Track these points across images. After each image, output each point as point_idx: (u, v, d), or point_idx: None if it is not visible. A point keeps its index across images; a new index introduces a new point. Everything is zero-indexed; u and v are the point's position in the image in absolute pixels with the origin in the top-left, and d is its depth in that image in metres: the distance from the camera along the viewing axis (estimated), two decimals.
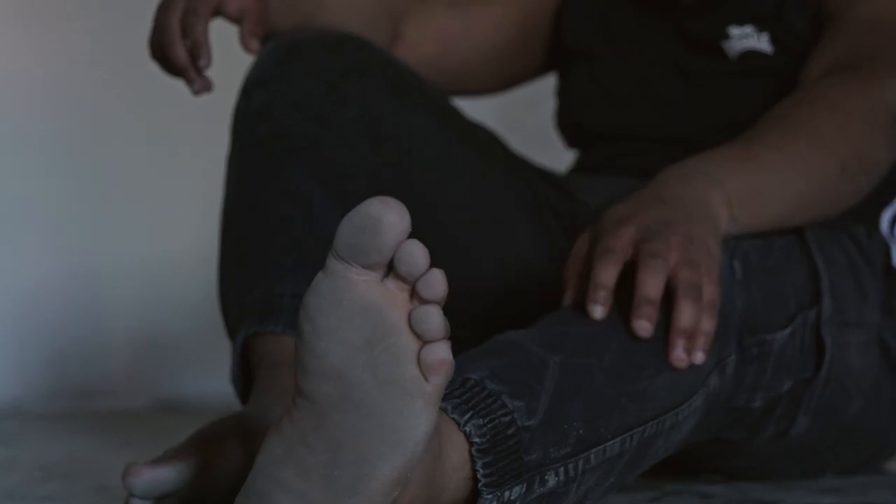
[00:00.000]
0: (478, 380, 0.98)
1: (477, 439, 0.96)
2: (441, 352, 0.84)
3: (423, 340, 0.85)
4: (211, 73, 1.35)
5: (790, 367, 1.25)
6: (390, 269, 0.84)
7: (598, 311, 1.06)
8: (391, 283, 0.85)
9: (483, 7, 1.56)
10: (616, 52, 1.54)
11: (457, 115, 1.44)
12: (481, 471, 0.96)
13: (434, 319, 0.84)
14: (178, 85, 1.38)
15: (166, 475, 1.07)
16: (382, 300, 0.84)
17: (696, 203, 1.14)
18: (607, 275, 1.07)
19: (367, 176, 1.33)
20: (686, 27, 1.47)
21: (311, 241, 1.27)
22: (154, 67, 1.38)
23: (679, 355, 1.06)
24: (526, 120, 2.22)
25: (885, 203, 1.42)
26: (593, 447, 1.03)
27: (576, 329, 1.06)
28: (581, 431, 1.02)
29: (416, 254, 0.83)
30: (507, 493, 0.98)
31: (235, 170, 1.33)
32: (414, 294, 0.84)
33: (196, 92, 1.33)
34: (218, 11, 1.35)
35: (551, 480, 1.01)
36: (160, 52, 1.33)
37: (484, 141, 1.45)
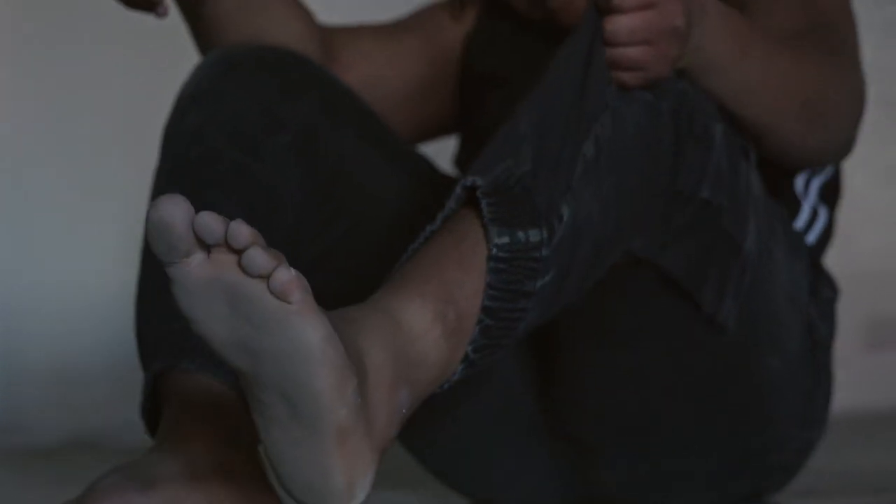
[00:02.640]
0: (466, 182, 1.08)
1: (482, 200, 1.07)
2: (282, 276, 0.93)
3: (264, 277, 0.93)
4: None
5: (725, 181, 1.24)
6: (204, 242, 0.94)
7: None
8: (215, 253, 0.94)
9: (404, 42, 1.56)
10: (527, 76, 1.52)
11: (389, 136, 1.43)
12: (486, 210, 1.06)
13: (256, 258, 0.93)
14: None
15: None
16: (214, 270, 0.94)
17: None
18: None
19: (295, 204, 1.31)
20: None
21: None
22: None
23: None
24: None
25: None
26: (575, 159, 1.10)
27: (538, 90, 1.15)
28: (567, 150, 1.09)
29: (210, 223, 0.93)
30: (520, 235, 1.05)
31: (160, 191, 1.30)
32: (231, 249, 0.94)
33: (164, 11, 1.29)
34: None
35: (565, 211, 1.07)
36: None
37: (414, 162, 1.45)
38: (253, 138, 1.30)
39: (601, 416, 1.38)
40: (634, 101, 1.17)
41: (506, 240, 1.05)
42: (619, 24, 1.15)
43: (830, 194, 1.47)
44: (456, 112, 1.60)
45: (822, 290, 1.44)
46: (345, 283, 1.37)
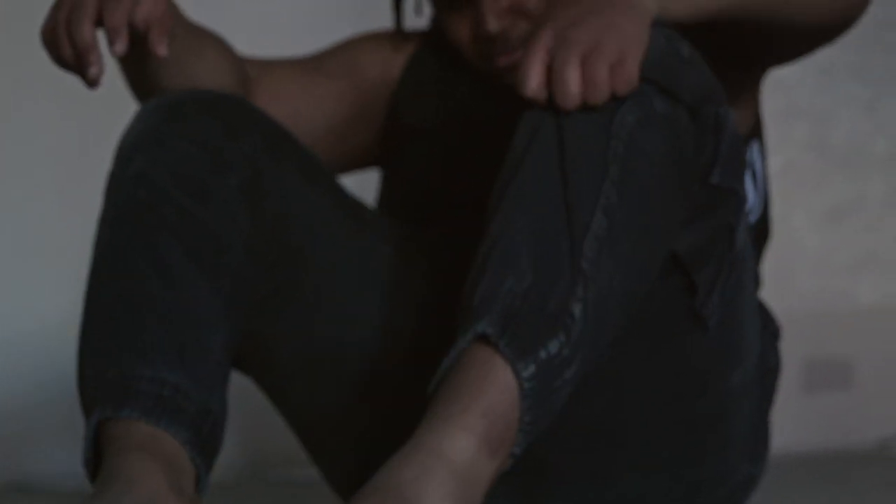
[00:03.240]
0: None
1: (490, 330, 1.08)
2: None
3: None
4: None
5: (737, 161, 1.26)
6: None
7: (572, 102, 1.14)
8: None
9: (323, 81, 1.56)
10: (455, 126, 1.53)
11: (327, 173, 1.43)
12: (505, 350, 1.08)
13: None
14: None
15: None
16: None
17: None
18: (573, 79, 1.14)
19: (242, 245, 1.31)
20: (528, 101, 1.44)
21: (177, 319, 1.24)
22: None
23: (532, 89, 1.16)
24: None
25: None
26: (583, 238, 1.11)
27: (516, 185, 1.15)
28: (564, 244, 1.11)
29: None
30: (542, 353, 1.08)
31: (106, 237, 1.29)
32: None
33: (93, 79, 1.25)
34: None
35: (576, 309, 1.10)
36: (64, 29, 1.25)
37: (352, 202, 1.44)
38: (199, 181, 1.29)
39: (563, 425, 1.36)
40: (651, 124, 1.17)
41: (532, 369, 1.09)
42: (563, 89, 1.15)
43: (759, 237, 1.48)
44: (378, 151, 1.60)
45: (769, 324, 1.45)
46: (292, 324, 1.36)
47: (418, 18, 1.59)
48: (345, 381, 1.37)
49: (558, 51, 1.15)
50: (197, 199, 1.29)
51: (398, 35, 1.59)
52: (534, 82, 1.15)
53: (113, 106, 1.62)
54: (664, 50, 1.20)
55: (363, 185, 1.77)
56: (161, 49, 1.27)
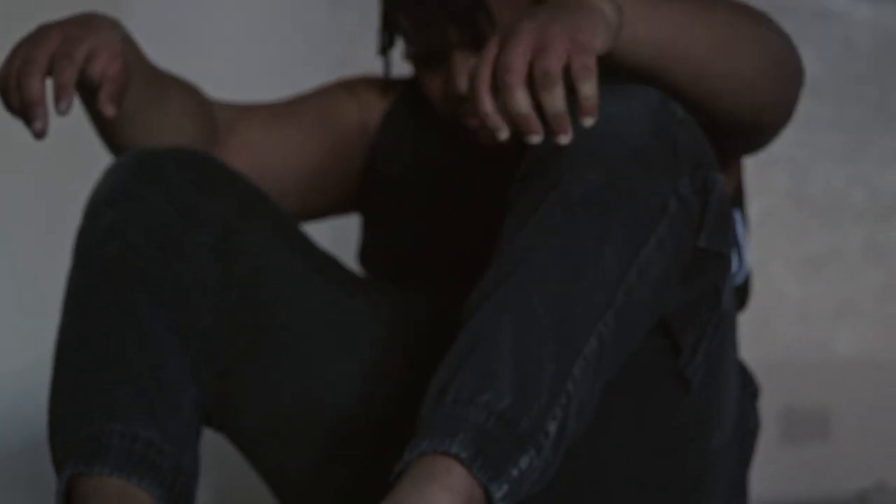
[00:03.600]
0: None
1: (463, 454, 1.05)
2: None
3: None
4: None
5: (724, 224, 1.25)
6: None
7: (536, 139, 1.09)
8: None
9: (297, 129, 1.54)
10: (430, 180, 1.51)
11: (299, 232, 1.42)
12: (478, 473, 1.05)
13: None
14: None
15: None
16: None
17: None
18: (523, 104, 1.08)
19: (214, 303, 1.31)
20: (499, 157, 1.43)
21: (147, 377, 1.23)
22: None
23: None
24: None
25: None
26: (573, 363, 1.10)
27: (498, 275, 1.13)
28: (550, 368, 1.09)
29: None
30: (514, 471, 1.07)
31: (75, 290, 1.28)
32: None
33: (39, 132, 1.23)
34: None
35: (551, 427, 1.08)
36: (15, 79, 1.25)
37: (324, 257, 1.43)
38: (171, 237, 1.29)
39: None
40: (667, 241, 1.16)
41: (505, 489, 1.08)
42: (516, 114, 1.10)
43: (738, 304, 1.47)
44: (356, 198, 1.58)
45: (748, 385, 1.44)
46: (263, 384, 1.35)
47: (405, 64, 1.59)
48: (319, 440, 1.36)
49: (500, 80, 1.11)
50: (169, 254, 1.28)
51: (378, 83, 1.59)
52: (504, 134, 1.13)
53: (83, 161, 1.61)
54: (659, 110, 1.19)
55: (345, 232, 1.76)
56: (109, 110, 1.25)
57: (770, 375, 1.69)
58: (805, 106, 1.48)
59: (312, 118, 1.56)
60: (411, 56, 1.45)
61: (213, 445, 1.44)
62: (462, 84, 1.42)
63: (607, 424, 1.28)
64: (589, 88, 1.07)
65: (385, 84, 1.58)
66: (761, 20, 1.29)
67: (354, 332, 1.40)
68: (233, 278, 1.32)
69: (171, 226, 1.29)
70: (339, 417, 1.36)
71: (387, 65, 1.54)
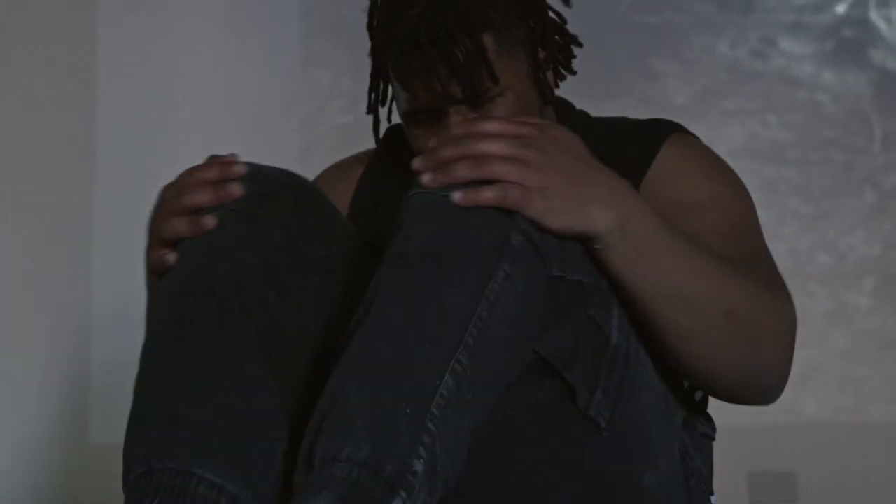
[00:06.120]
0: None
1: None
2: None
3: None
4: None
5: (576, 251, 1.24)
6: None
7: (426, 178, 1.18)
8: None
9: None
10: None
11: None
12: None
13: None
14: None
15: None
16: None
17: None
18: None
19: (312, 351, 1.27)
20: None
21: (243, 424, 1.18)
22: None
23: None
24: None
25: None
26: (429, 402, 1.10)
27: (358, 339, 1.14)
28: (404, 411, 1.09)
29: None
30: None
31: (172, 301, 1.24)
32: None
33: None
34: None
35: (418, 466, 1.09)
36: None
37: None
38: (280, 275, 1.26)
39: None
40: (517, 274, 1.16)
41: None
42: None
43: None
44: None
45: (699, 424, 1.43)
46: None
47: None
48: None
49: (475, 148, 1.19)
50: (276, 292, 1.25)
51: (343, 165, 1.59)
52: (426, 173, 1.19)
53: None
54: None
55: None
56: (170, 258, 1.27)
57: (738, 438, 1.70)
58: (771, 171, 1.50)
59: None
60: (405, 112, 1.45)
61: None
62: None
63: (525, 474, 1.27)
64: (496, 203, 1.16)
65: (350, 162, 1.59)
66: (773, 290, 1.34)
67: None
68: (328, 327, 1.29)
69: (281, 263, 1.26)
70: None
71: (376, 122, 1.54)
